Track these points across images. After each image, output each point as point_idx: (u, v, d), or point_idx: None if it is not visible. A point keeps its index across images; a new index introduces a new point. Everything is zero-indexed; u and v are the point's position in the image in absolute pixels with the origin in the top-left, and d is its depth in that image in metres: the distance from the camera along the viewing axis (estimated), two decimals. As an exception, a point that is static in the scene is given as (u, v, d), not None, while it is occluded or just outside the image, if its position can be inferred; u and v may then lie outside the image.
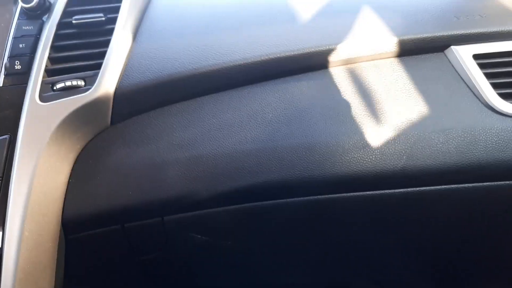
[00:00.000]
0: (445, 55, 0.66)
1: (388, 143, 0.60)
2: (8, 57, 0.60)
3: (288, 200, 0.62)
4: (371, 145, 0.60)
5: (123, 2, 0.63)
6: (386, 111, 0.62)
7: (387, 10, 0.69)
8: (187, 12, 0.68)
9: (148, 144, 0.61)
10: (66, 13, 0.62)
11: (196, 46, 0.63)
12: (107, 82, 0.59)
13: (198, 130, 0.61)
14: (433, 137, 0.60)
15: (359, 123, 0.61)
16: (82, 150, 0.61)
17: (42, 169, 0.55)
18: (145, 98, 0.62)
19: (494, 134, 0.61)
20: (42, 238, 0.56)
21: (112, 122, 0.61)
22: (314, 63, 0.65)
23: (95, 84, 0.58)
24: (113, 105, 0.60)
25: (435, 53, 0.66)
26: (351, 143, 0.60)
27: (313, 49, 0.63)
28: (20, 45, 0.60)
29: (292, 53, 0.63)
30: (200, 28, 0.65)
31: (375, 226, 0.69)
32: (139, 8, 0.66)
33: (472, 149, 0.60)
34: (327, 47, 0.64)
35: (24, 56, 0.60)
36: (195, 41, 0.64)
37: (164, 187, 0.59)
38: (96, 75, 0.58)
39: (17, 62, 0.59)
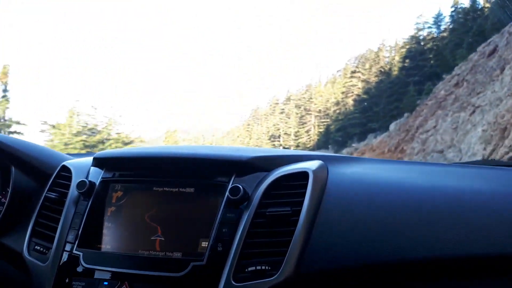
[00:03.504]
0: None
1: None
2: (213, 239, 0.69)
3: None
4: None
5: (305, 197, 0.71)
6: None
7: None
8: (357, 203, 0.73)
9: None
10: (261, 205, 0.72)
11: (368, 240, 0.68)
12: (289, 269, 0.66)
13: None
14: None
15: None
16: None
17: None
18: (316, 285, 0.68)
19: None
20: None
21: None
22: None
23: (280, 271, 0.66)
24: None
25: None
26: None
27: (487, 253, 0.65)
28: (223, 230, 0.70)
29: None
30: (370, 222, 0.70)
31: None
32: (317, 200, 0.73)
33: None
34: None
35: (225, 239, 0.69)
36: (366, 236, 0.68)
37: None
38: (280, 262, 0.66)
39: (220, 245, 0.69)
